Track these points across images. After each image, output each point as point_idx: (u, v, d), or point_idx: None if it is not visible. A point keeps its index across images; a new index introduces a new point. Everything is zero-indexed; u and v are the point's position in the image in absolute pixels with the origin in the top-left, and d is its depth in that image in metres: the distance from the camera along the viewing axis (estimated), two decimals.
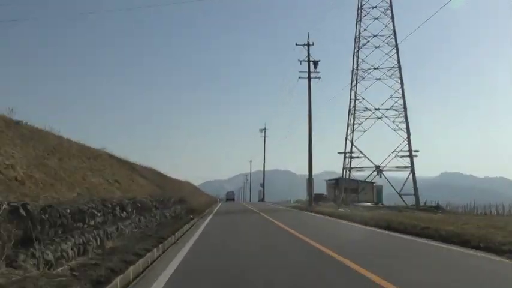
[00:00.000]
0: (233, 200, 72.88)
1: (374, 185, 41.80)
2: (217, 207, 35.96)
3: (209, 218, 20.81)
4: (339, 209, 28.65)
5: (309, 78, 30.22)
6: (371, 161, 35.73)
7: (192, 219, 17.89)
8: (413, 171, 34.22)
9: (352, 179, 41.10)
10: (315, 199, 54.56)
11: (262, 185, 74.75)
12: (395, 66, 34.35)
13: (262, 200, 71.45)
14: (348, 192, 41.98)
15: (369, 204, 39.84)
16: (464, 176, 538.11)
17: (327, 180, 51.16)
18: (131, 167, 21.83)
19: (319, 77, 30.33)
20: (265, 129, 73.63)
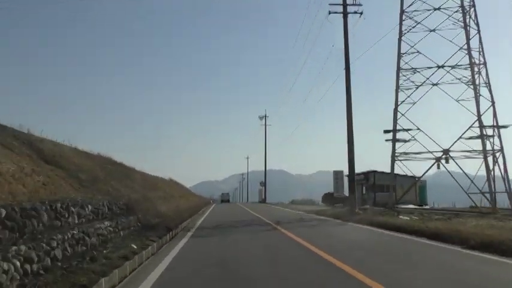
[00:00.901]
0: (228, 201, 64.92)
1: (416, 180, 30.79)
2: (207, 213, 24.99)
3: (182, 243, 9.79)
4: (400, 217, 17.68)
5: (345, 14, 19.24)
6: (437, 144, 24.62)
7: (125, 257, 6.82)
8: (503, 156, 23.17)
9: (387, 173, 30.28)
10: (328, 200, 43.58)
11: (264, 184, 62.54)
12: (463, 6, 23.40)
13: (263, 201, 59.47)
14: (384, 190, 31.27)
15: (411, 206, 28.97)
16: (458, 174, 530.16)
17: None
18: (21, 141, 10.71)
19: (361, 13, 19.32)
20: (265, 116, 61.81)
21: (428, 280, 5.60)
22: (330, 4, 19.44)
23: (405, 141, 24.40)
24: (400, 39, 24.35)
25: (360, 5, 19.33)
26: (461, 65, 23.17)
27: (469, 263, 7.05)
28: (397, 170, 26.81)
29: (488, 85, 22.94)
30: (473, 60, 23.24)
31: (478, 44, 23.10)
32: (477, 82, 23.43)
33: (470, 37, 22.85)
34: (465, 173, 23.38)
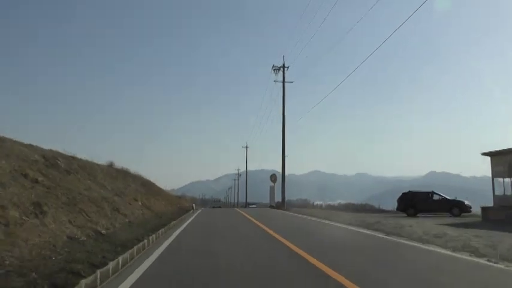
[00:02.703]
0: (219, 207, 52.60)
1: None
2: None
3: None
4: None
5: None
6: None
7: None
8: None
9: None
10: (416, 205, 22.17)
11: (282, 178, 35.86)
12: None
13: (279, 206, 34.39)
14: None
15: None
16: (452, 175, 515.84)
17: (494, 154, 18.88)
18: None
19: None
20: (283, 67, 38.92)
21: None
22: None
23: None
24: None
25: None
26: None
27: None
28: None
29: None
30: None
31: None
32: None
33: None
34: None
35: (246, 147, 68.68)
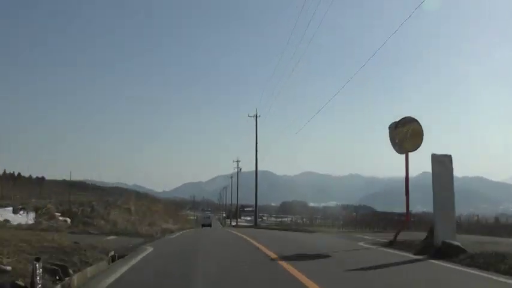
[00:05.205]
0: (209, 225, 48.06)
1: None
2: None
3: None
4: None
5: None
6: None
7: None
8: None
9: None
10: None
11: None
12: None
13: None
14: None
15: None
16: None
17: None
18: None
19: None
20: None
21: None
22: None
23: None
24: None
25: None
26: None
27: None
28: None
29: None
30: None
31: None
32: None
33: None
34: None
35: (256, 116, 45.92)
